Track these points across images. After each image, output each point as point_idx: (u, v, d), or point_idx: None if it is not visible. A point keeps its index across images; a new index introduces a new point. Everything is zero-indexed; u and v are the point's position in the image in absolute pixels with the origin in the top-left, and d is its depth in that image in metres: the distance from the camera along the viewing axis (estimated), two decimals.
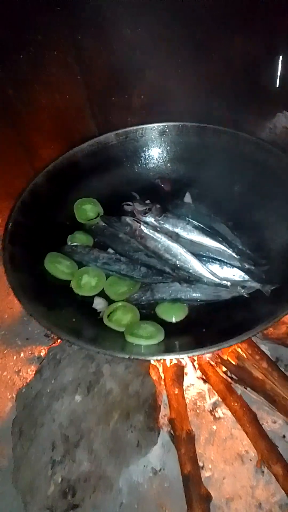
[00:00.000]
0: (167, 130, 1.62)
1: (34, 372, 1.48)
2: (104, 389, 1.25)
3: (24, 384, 1.42)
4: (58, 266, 1.38)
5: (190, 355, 1.06)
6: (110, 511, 1.28)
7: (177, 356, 1.04)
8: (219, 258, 1.33)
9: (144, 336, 1.17)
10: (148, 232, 1.36)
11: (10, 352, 1.66)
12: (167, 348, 1.13)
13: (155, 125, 1.62)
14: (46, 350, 1.56)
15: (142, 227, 1.37)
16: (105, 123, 1.74)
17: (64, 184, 1.55)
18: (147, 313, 1.30)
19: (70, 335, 1.09)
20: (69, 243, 1.46)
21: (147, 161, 1.67)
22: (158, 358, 1.05)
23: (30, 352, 1.67)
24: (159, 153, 1.66)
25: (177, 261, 1.33)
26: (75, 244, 1.45)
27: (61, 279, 1.37)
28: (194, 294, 1.29)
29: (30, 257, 1.34)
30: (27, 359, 1.65)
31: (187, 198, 1.53)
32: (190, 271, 1.31)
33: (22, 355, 1.66)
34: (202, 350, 1.04)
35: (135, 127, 1.62)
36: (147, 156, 1.66)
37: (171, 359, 1.34)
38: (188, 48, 1.56)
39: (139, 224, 1.38)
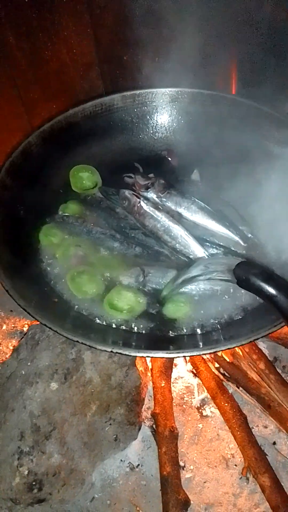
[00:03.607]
0: (180, 97, 1.46)
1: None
2: (84, 378, 1.14)
3: (1, 361, 1.32)
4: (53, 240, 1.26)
5: (181, 355, 0.94)
6: (80, 505, 1.21)
7: (167, 355, 0.92)
8: (224, 245, 1.19)
9: (125, 309, 1.07)
10: (147, 209, 1.23)
11: None
12: (157, 342, 1.02)
13: (167, 89, 1.46)
14: (29, 325, 1.46)
15: (142, 203, 1.24)
16: (113, 83, 1.58)
17: (61, 146, 1.40)
18: None
19: (48, 320, 0.96)
20: (60, 213, 1.32)
21: (155, 130, 1.51)
22: (145, 355, 0.93)
23: (12, 325, 1.60)
24: (169, 122, 1.50)
25: (177, 244, 1.19)
26: (66, 214, 1.31)
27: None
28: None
29: (13, 225, 1.21)
30: (8, 332, 1.57)
31: (195, 176, 1.39)
32: (191, 256, 1.18)
33: (4, 327, 1.59)
34: (195, 351, 0.92)
35: (144, 90, 1.46)
36: (155, 124, 1.51)
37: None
38: (211, 7, 1.38)
39: (138, 200, 1.24)
